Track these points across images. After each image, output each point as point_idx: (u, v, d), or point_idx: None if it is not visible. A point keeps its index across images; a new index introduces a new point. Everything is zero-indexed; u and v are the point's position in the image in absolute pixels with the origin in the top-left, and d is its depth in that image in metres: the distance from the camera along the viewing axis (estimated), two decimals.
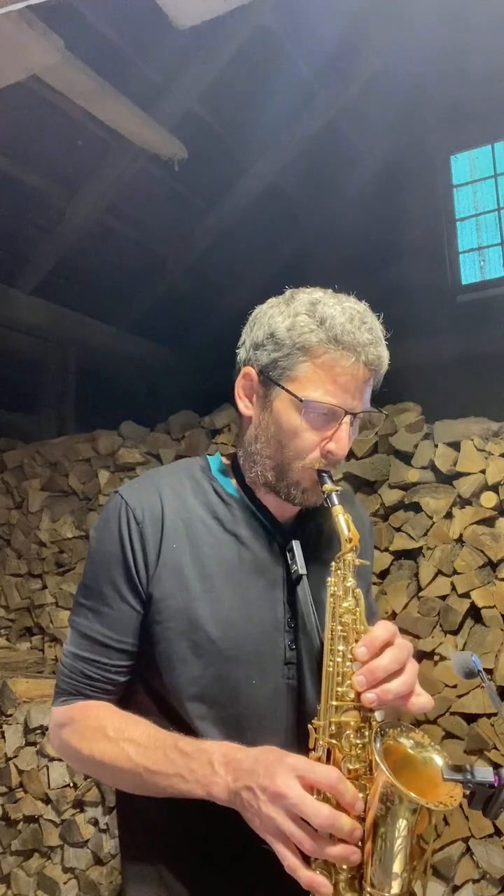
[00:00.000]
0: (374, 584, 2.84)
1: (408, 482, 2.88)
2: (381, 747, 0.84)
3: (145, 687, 1.09)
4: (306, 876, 0.84)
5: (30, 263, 5.05)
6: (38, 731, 2.91)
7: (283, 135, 4.86)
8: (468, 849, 2.34)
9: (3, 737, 2.99)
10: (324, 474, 1.05)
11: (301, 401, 1.03)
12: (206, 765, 0.92)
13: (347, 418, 1.04)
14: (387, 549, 2.86)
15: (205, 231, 5.48)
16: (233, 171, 5.06)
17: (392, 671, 0.90)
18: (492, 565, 2.64)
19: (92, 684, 1.06)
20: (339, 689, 0.93)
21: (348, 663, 0.93)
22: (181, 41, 3.61)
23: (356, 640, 0.95)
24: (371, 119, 5.00)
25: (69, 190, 4.74)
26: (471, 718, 2.48)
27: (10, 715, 3.01)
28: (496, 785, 0.82)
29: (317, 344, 1.02)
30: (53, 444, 4.11)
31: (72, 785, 2.79)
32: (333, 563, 1.00)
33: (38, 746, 2.90)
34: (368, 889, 0.83)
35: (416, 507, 2.83)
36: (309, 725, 0.95)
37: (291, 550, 1.09)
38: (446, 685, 2.56)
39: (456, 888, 2.30)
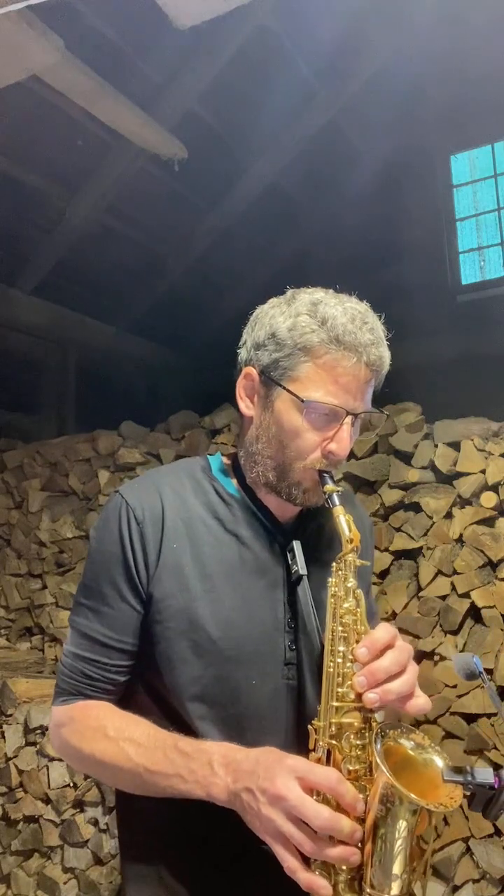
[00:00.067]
0: (374, 584, 2.84)
1: (408, 482, 2.88)
2: (381, 748, 0.84)
3: (145, 687, 1.09)
4: (306, 877, 0.84)
5: (30, 263, 5.05)
6: (38, 731, 2.90)
7: (283, 135, 4.86)
8: (468, 849, 2.34)
9: (3, 737, 2.99)
10: (325, 475, 1.05)
11: (302, 401, 1.03)
12: (206, 765, 0.92)
13: (349, 419, 1.04)
14: (387, 549, 2.86)
15: (205, 231, 5.49)
16: (233, 171, 5.06)
17: (392, 673, 0.90)
18: (492, 565, 2.64)
19: (92, 684, 1.06)
20: (340, 689, 0.93)
21: (349, 664, 0.93)
22: (181, 41, 3.61)
23: (357, 641, 0.95)
24: (371, 119, 5.00)
25: (69, 190, 4.74)
26: (471, 718, 2.48)
27: (10, 715, 3.01)
28: (496, 787, 0.82)
29: (318, 344, 1.02)
30: (53, 444, 4.11)
31: (72, 785, 2.79)
32: (334, 564, 1.00)
33: (38, 746, 2.90)
34: (368, 890, 0.83)
35: (416, 507, 2.83)
36: (309, 726, 0.95)
37: (292, 551, 1.09)
38: (446, 685, 2.56)
39: (456, 888, 2.30)
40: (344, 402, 1.03)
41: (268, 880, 0.91)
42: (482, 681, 0.97)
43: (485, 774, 0.82)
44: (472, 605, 2.61)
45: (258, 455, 1.09)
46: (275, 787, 0.84)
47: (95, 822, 2.73)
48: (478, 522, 2.69)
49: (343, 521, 1.00)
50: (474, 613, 2.64)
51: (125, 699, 1.09)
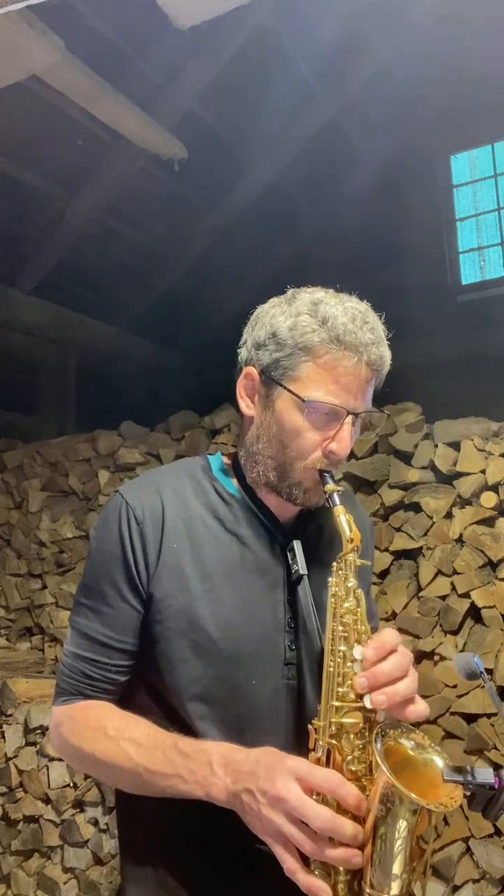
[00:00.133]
0: (374, 584, 2.84)
1: (408, 482, 2.88)
2: (381, 748, 0.84)
3: (146, 687, 1.09)
4: (305, 879, 0.84)
5: (30, 263, 5.05)
6: (38, 731, 2.90)
7: (283, 135, 4.86)
8: (468, 849, 2.34)
9: (3, 737, 2.99)
10: (325, 474, 1.05)
11: (303, 401, 1.03)
12: (206, 766, 0.92)
13: (349, 418, 1.04)
14: (387, 549, 2.86)
15: (205, 231, 5.49)
16: (233, 171, 5.06)
17: (394, 677, 0.91)
18: (492, 565, 2.64)
19: (92, 684, 1.06)
20: (340, 689, 0.92)
21: (349, 664, 0.93)
22: (181, 41, 3.61)
23: (357, 641, 0.95)
24: (371, 119, 5.00)
25: (69, 190, 4.74)
26: (471, 718, 2.48)
27: (10, 715, 3.01)
28: (496, 787, 0.82)
29: (319, 344, 1.02)
30: (53, 444, 4.11)
31: (72, 785, 2.79)
32: (335, 564, 1.00)
33: (38, 746, 2.90)
34: (368, 890, 0.83)
35: (416, 507, 2.83)
36: (309, 725, 0.95)
37: (292, 550, 1.09)
38: (446, 685, 2.56)
39: (456, 888, 2.30)
40: (345, 401, 1.03)
41: (267, 881, 0.91)
42: (483, 681, 0.97)
43: (485, 774, 0.82)
44: (472, 605, 2.61)
45: (259, 455, 1.09)
46: (275, 788, 0.84)
47: (95, 822, 2.73)
48: (478, 522, 2.69)
49: (343, 520, 1.00)
50: (474, 613, 2.64)
51: (125, 699, 1.09)
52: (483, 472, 2.73)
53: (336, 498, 1.02)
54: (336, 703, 0.92)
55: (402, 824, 0.82)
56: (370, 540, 1.31)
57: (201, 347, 6.13)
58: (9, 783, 2.92)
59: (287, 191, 5.50)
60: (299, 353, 1.04)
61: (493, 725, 2.42)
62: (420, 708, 0.93)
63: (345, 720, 0.91)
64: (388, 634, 0.93)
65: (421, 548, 2.80)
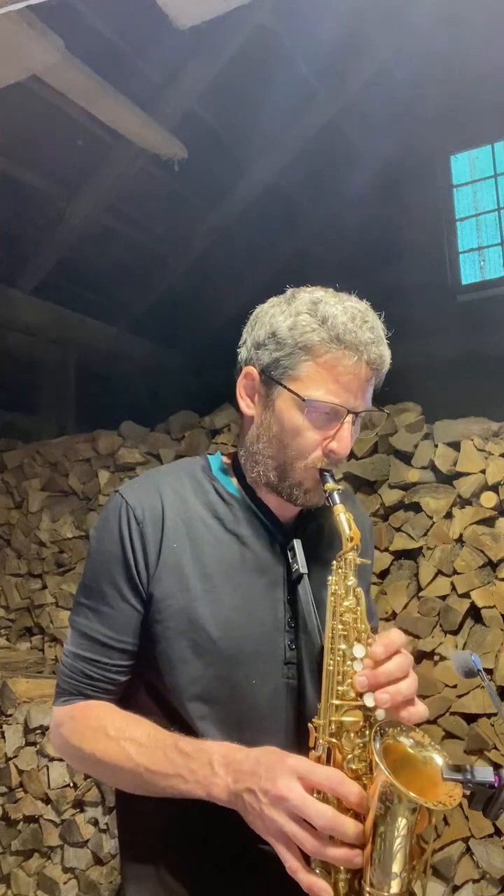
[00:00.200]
0: (374, 584, 2.84)
1: (408, 482, 2.88)
2: (380, 747, 0.84)
3: (146, 687, 1.09)
4: (307, 878, 0.84)
5: (30, 263, 5.05)
6: (38, 731, 2.90)
7: (283, 135, 4.86)
8: (468, 849, 2.34)
9: (3, 737, 2.99)
10: (326, 473, 1.05)
11: (303, 400, 1.03)
12: (206, 765, 0.92)
13: (349, 417, 1.04)
14: (387, 549, 2.86)
15: (205, 231, 5.49)
16: (233, 171, 5.06)
17: (395, 677, 0.91)
18: (492, 565, 2.64)
19: (92, 684, 1.06)
20: (340, 688, 0.93)
21: (349, 662, 0.93)
22: (181, 41, 3.61)
23: (357, 639, 0.95)
24: (371, 119, 5.00)
25: (69, 190, 4.74)
26: (471, 718, 2.48)
27: (10, 715, 3.01)
28: (496, 785, 0.81)
29: (319, 343, 1.02)
30: (53, 444, 4.11)
31: (72, 785, 2.79)
32: (334, 562, 1.00)
33: (38, 746, 2.90)
34: (368, 889, 0.83)
35: (416, 507, 2.83)
36: (309, 724, 0.95)
37: (293, 549, 1.09)
38: (446, 685, 2.56)
39: (456, 888, 2.30)
40: (345, 400, 1.03)
41: (267, 880, 0.91)
42: (481, 678, 0.97)
43: (484, 773, 0.82)
44: (472, 605, 2.61)
45: (259, 455, 1.09)
46: (276, 787, 0.84)
47: (95, 822, 2.73)
48: (478, 522, 2.69)
49: (343, 519, 1.00)
50: (474, 613, 2.64)
51: (126, 699, 1.09)
52: (483, 472, 2.73)
53: (336, 497, 1.02)
54: (336, 702, 0.92)
55: (402, 823, 0.82)
56: (370, 539, 1.32)
57: (201, 347, 6.13)
58: (9, 783, 2.92)
59: (287, 191, 5.50)
60: (299, 353, 1.04)
61: (493, 725, 2.42)
62: (420, 709, 0.94)
63: (345, 718, 0.91)
64: (396, 634, 0.94)
65: (421, 548, 2.80)
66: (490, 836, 2.32)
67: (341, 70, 4.56)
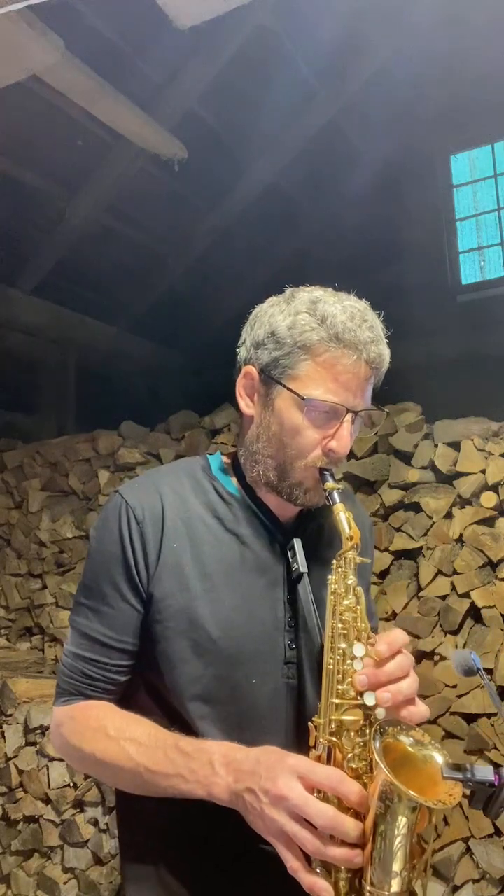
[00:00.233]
0: (374, 584, 2.84)
1: (408, 482, 2.88)
2: (380, 745, 0.84)
3: (146, 686, 1.09)
4: (308, 878, 0.84)
5: (30, 263, 5.05)
6: (38, 731, 2.90)
7: (283, 135, 4.86)
8: (468, 849, 2.34)
9: (3, 737, 2.99)
10: (325, 472, 1.05)
11: (303, 399, 1.03)
12: (207, 765, 0.92)
13: (349, 416, 1.04)
14: (387, 549, 2.86)
15: (205, 231, 5.49)
16: (233, 171, 5.06)
17: (395, 677, 0.91)
18: (492, 565, 2.64)
19: (93, 684, 1.06)
20: (340, 687, 0.93)
21: (349, 661, 0.93)
22: (181, 41, 3.61)
23: (357, 638, 0.95)
24: (371, 119, 5.00)
25: (69, 190, 4.74)
26: (471, 718, 2.48)
27: (10, 715, 3.01)
28: (496, 784, 0.81)
29: (318, 342, 1.02)
30: (53, 444, 4.11)
31: (72, 785, 2.79)
32: (334, 561, 1.00)
33: (38, 746, 2.90)
34: (368, 888, 0.83)
35: (416, 507, 2.83)
36: (309, 723, 0.95)
37: (293, 549, 1.09)
38: (446, 685, 2.56)
39: (456, 888, 2.30)
40: (344, 399, 1.03)
41: (268, 880, 0.91)
42: (480, 677, 0.97)
43: (484, 772, 0.82)
44: (472, 605, 2.61)
45: (259, 454, 1.09)
46: (277, 787, 0.84)
47: (95, 822, 2.73)
48: (478, 522, 2.69)
49: (343, 518, 1.00)
50: (474, 613, 2.64)
51: (126, 699, 1.09)
52: (483, 472, 2.73)
53: (336, 496, 1.02)
54: (336, 701, 0.92)
55: (402, 822, 0.82)
56: (370, 539, 1.32)
57: (201, 347, 6.13)
58: (9, 783, 2.92)
59: (287, 191, 5.50)
60: (298, 352, 1.04)
61: (493, 725, 2.42)
62: (421, 709, 0.94)
63: (345, 717, 0.91)
64: (399, 633, 0.94)
65: (421, 548, 2.80)
66: (490, 836, 2.32)
67: (341, 70, 4.56)
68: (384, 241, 5.47)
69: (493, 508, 2.68)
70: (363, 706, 0.91)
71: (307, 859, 0.85)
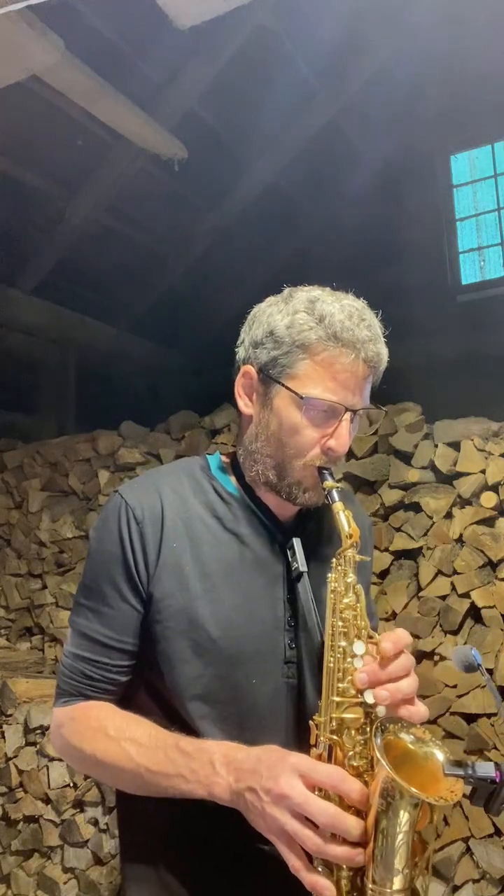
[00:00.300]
0: (374, 584, 2.84)
1: (408, 482, 2.88)
2: (381, 743, 0.84)
3: (146, 687, 1.09)
4: (310, 877, 0.84)
5: (30, 263, 5.05)
6: (38, 731, 2.90)
7: (283, 135, 4.86)
8: (468, 849, 2.34)
9: (3, 737, 2.99)
10: (324, 471, 1.05)
11: (301, 398, 1.03)
12: (208, 765, 0.92)
13: (347, 415, 1.04)
14: (387, 549, 2.86)
15: (205, 231, 5.49)
16: (233, 171, 5.06)
17: (395, 676, 0.91)
18: (492, 565, 2.64)
19: (93, 684, 1.06)
20: (340, 685, 0.93)
21: (349, 659, 0.93)
22: (181, 41, 3.61)
23: (357, 636, 0.95)
24: (371, 119, 5.00)
25: (69, 190, 4.74)
26: (471, 718, 2.48)
27: (10, 715, 3.01)
28: (497, 781, 0.81)
29: (316, 341, 1.03)
30: (53, 444, 4.11)
31: (72, 785, 2.79)
32: (334, 560, 1.00)
33: (38, 746, 2.90)
34: (370, 885, 0.83)
35: (416, 507, 2.83)
36: (310, 722, 0.95)
37: (292, 548, 1.09)
38: (446, 685, 2.56)
39: (456, 888, 2.30)
40: (342, 398, 1.03)
41: (269, 880, 0.91)
42: (481, 672, 0.97)
43: (486, 768, 0.82)
44: (472, 605, 2.61)
45: (258, 453, 1.09)
46: (278, 786, 0.84)
47: (95, 822, 2.73)
48: (478, 522, 2.69)
49: (343, 516, 1.00)
50: (474, 613, 2.64)
51: (126, 699, 1.09)
52: (483, 472, 2.73)
53: (335, 494, 1.02)
54: (336, 699, 0.92)
55: (404, 819, 0.81)
56: (369, 538, 1.32)
57: (201, 347, 6.13)
58: (9, 783, 2.92)
59: (287, 191, 5.50)
60: (297, 351, 1.04)
61: (493, 725, 2.42)
62: (421, 710, 0.94)
63: (345, 715, 0.91)
64: (403, 633, 0.95)
65: (421, 548, 2.79)
66: (490, 836, 2.32)
67: (341, 70, 4.56)
68: (384, 241, 5.48)
69: (493, 508, 2.68)
70: (364, 704, 0.91)
71: (309, 858, 0.85)
